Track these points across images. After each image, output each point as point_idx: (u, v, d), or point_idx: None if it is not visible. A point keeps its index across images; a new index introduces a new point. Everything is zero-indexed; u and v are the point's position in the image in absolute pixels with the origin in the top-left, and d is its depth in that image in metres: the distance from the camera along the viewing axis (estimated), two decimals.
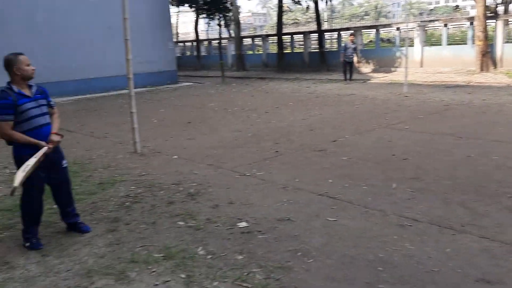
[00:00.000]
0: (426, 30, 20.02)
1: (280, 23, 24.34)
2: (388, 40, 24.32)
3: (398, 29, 20.78)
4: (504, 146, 6.60)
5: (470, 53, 17.69)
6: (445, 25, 19.30)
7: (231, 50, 28.19)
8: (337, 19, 36.36)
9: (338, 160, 6.26)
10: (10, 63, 3.67)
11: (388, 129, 8.20)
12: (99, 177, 5.86)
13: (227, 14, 28.22)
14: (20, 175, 3.44)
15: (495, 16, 18.15)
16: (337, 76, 18.75)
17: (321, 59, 22.25)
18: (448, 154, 6.28)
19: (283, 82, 18.89)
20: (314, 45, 23.93)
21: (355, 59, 17.66)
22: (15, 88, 3.68)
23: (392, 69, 19.70)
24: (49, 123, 3.86)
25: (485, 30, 16.53)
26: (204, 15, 29.31)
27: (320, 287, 3.06)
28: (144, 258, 3.52)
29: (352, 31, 20.08)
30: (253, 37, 28.91)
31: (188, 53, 33.39)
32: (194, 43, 31.43)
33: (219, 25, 23.01)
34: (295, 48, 25.37)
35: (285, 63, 23.80)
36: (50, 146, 3.74)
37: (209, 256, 3.52)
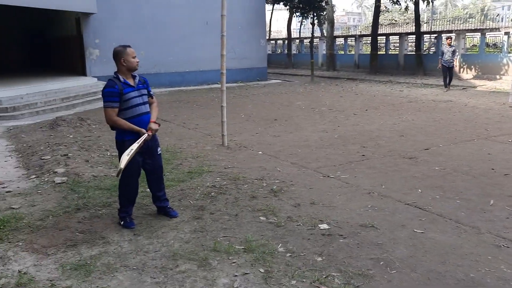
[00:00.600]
0: None
1: (376, 23, 23.57)
2: (494, 45, 22.44)
3: (506, 33, 19.09)
4: None
5: None
6: None
7: (322, 49, 27.91)
8: (438, 20, 34.32)
9: (429, 169, 5.92)
10: (118, 54, 3.97)
11: (489, 140, 7.59)
12: (188, 166, 6.14)
13: (321, 13, 27.95)
14: (125, 158, 3.73)
15: None
16: (434, 81, 17.75)
17: (417, 62, 21.14)
18: None
19: (375, 84, 18.31)
20: (410, 47, 22.80)
21: (456, 62, 16.42)
22: (121, 77, 3.98)
23: (497, 76, 18.17)
24: (148, 111, 4.13)
25: None
26: (298, 14, 29.31)
27: None
28: (225, 248, 3.63)
29: (449, 35, 18.77)
30: (346, 37, 28.33)
31: (279, 50, 33.64)
32: (286, 41, 31.61)
33: (312, 23, 22.86)
34: (389, 50, 24.44)
35: (378, 64, 23.02)
36: (150, 133, 4.00)
37: (288, 254, 3.53)
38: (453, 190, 5.06)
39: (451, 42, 15.51)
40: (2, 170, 6.18)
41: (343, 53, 27.24)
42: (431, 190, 5.09)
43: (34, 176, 5.79)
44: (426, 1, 21.39)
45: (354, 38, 26.75)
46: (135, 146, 3.81)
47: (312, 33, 22.58)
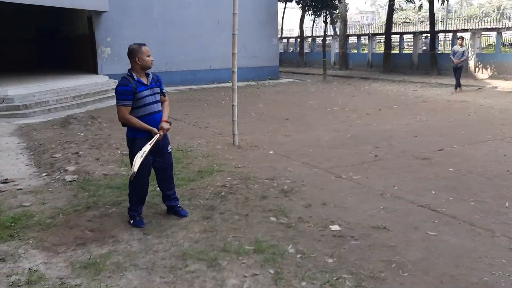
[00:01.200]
0: None
1: (389, 22, 23.33)
2: (511, 45, 22.05)
3: None
4: None
5: None
6: None
7: (335, 48, 27.72)
8: (453, 19, 33.84)
9: (443, 170, 5.82)
10: (133, 52, 3.95)
11: (505, 142, 7.44)
12: (198, 165, 6.12)
13: (334, 11, 27.79)
14: (138, 161, 3.72)
15: None
16: (448, 80, 17.49)
17: (432, 61, 20.86)
18: None
19: (388, 84, 18.13)
20: (425, 46, 22.51)
21: (470, 63, 16.08)
22: (135, 75, 3.96)
23: None
24: (160, 110, 4.11)
25: None
26: (311, 12, 29.17)
27: None
28: (235, 248, 3.60)
29: (460, 35, 18.41)
30: (359, 36, 28.11)
31: (291, 49, 33.51)
32: (298, 40, 31.48)
33: (325, 22, 22.71)
34: (403, 49, 24.18)
35: (391, 63, 22.78)
36: (161, 133, 3.98)
37: (299, 255, 3.49)
38: (467, 192, 4.96)
39: (462, 43, 15.18)
40: (14, 168, 6.23)
41: (356, 52, 27.04)
42: (444, 191, 4.99)
43: (45, 174, 5.82)
44: (440, 0, 21.10)
45: (367, 36, 26.52)
46: (147, 148, 3.80)
47: (325, 32, 22.46)
